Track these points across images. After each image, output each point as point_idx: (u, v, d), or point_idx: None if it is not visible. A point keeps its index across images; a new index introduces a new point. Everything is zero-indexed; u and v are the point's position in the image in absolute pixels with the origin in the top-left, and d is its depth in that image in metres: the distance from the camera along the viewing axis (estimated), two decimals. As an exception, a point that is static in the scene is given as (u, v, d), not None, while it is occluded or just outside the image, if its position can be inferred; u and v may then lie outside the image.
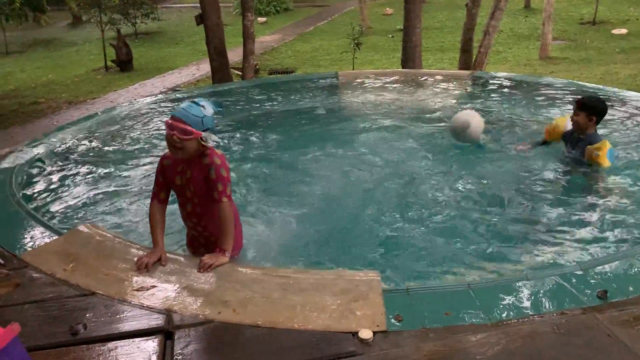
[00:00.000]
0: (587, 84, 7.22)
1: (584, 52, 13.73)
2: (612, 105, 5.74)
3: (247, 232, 3.41)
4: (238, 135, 5.84)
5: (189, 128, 2.63)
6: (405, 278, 3.00)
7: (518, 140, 5.11)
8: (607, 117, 4.42)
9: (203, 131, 2.67)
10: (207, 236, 2.94)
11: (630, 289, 2.45)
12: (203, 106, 2.72)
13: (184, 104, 2.73)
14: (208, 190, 2.75)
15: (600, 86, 6.86)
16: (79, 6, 16.56)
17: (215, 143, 2.75)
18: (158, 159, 3.00)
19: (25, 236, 3.21)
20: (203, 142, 2.69)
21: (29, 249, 3.05)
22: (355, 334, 2.21)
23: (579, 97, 4.28)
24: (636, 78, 10.49)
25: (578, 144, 4.36)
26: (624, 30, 15.55)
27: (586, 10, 18.23)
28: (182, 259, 2.85)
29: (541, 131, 5.02)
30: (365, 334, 2.19)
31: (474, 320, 2.28)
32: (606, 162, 4.13)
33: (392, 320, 2.29)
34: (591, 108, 4.18)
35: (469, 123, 4.83)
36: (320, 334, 2.23)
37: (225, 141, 5.59)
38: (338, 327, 2.26)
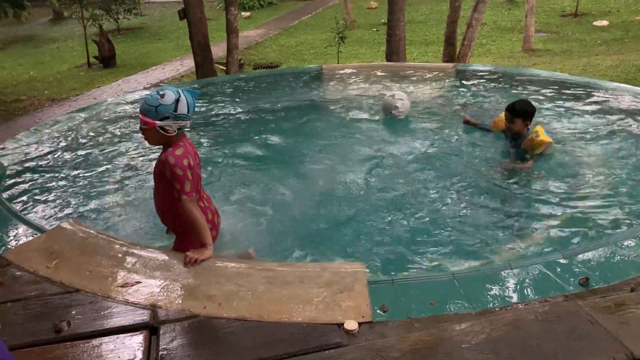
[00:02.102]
0: (569, 75, 7.28)
1: (566, 44, 13.85)
2: (593, 95, 5.82)
3: (232, 226, 3.41)
4: (222, 129, 5.81)
5: (145, 118, 2.68)
6: (391, 269, 3.01)
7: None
8: (591, 107, 4.51)
9: (160, 119, 2.67)
10: (174, 229, 3.01)
11: (612, 275, 2.49)
12: (162, 95, 2.69)
13: (148, 94, 2.74)
14: (163, 188, 2.79)
15: (586, 78, 6.93)
16: (60, 2, 16.33)
17: (182, 129, 2.74)
18: (142, 155, 3.01)
19: (8, 234, 3.18)
20: (163, 132, 2.69)
21: (11, 247, 3.02)
22: (341, 325, 2.22)
23: (509, 104, 4.49)
24: (617, 69, 10.61)
25: (517, 141, 4.51)
26: (605, 22, 15.71)
27: (568, 3, 18.38)
28: (166, 254, 2.83)
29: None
30: (351, 325, 2.20)
31: (458, 310, 2.30)
32: (547, 138, 4.35)
33: (378, 311, 2.31)
34: (524, 113, 4.38)
35: (396, 106, 5.71)
36: (306, 326, 2.24)
37: (209, 135, 5.56)
38: (324, 319, 2.27)
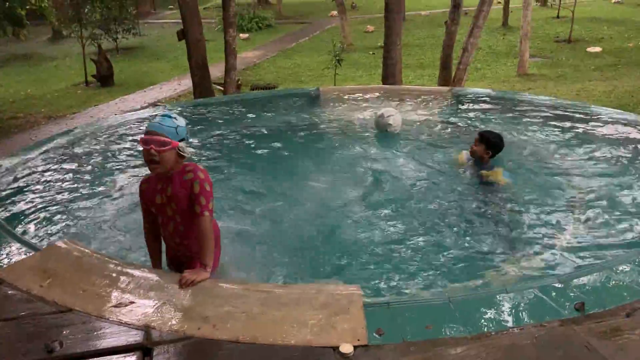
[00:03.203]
0: (563, 100, 7.36)
1: (560, 69, 14.03)
2: (588, 121, 5.88)
3: (227, 247, 3.39)
4: (217, 149, 5.82)
5: (165, 139, 2.64)
6: (386, 292, 3.00)
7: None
8: (584, 132, 4.56)
9: (179, 141, 2.68)
10: (189, 256, 2.89)
11: (607, 300, 2.49)
12: (175, 118, 2.73)
13: (156, 118, 2.74)
14: (190, 206, 2.73)
15: (581, 103, 7.00)
16: (60, 21, 16.45)
17: (191, 153, 2.76)
18: (136, 174, 3.00)
19: (1, 252, 3.16)
20: (180, 152, 2.70)
21: (4, 265, 2.99)
22: (336, 348, 2.20)
23: (483, 129, 4.82)
24: (610, 95, 10.74)
25: (478, 166, 4.73)
26: (598, 49, 15.95)
27: (562, 29, 18.66)
28: (160, 274, 2.82)
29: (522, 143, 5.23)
30: (346, 348, 2.18)
31: (454, 334, 2.29)
32: (502, 179, 4.54)
33: (373, 334, 2.29)
34: (488, 142, 4.62)
35: (389, 124, 5.87)
36: (301, 349, 2.22)
37: (204, 155, 5.57)
38: (319, 342, 2.25)
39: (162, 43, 21.83)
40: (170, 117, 2.72)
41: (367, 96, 7.58)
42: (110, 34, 18.45)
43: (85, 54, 15.11)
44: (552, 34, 18.53)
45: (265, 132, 6.36)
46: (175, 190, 2.74)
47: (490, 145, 4.62)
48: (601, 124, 5.78)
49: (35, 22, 18.64)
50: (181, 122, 2.74)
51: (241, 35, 21.38)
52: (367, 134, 6.12)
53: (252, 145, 5.92)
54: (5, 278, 2.83)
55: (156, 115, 2.81)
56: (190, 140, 2.83)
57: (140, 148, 2.74)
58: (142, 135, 2.71)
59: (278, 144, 5.89)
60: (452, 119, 6.53)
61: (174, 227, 2.84)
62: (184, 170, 2.74)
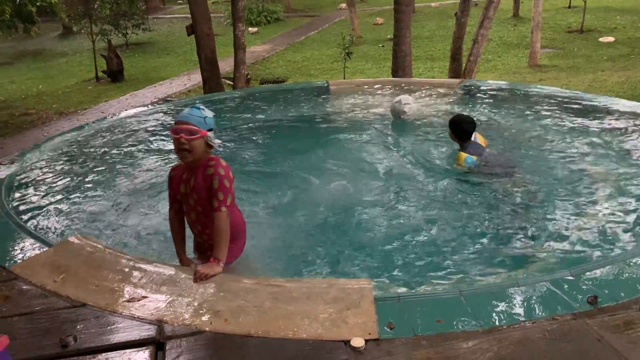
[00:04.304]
0: (573, 91, 7.28)
1: (572, 60, 13.88)
2: (599, 113, 5.81)
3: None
4: (228, 144, 5.84)
5: (194, 127, 2.76)
6: (397, 286, 3.00)
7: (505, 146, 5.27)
8: (596, 124, 4.51)
9: (207, 131, 2.80)
10: (212, 244, 2.94)
11: (621, 294, 2.47)
12: (203, 109, 2.87)
13: (185, 110, 2.88)
14: (209, 199, 2.82)
15: (591, 95, 6.92)
16: (70, 17, 16.56)
17: (219, 144, 2.88)
18: (147, 169, 3.04)
19: (15, 248, 3.19)
20: (209, 142, 2.81)
21: (18, 261, 3.03)
22: (347, 342, 2.21)
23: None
24: (624, 85, 10.61)
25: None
26: (611, 39, 15.75)
27: (574, 19, 18.45)
28: (172, 269, 2.84)
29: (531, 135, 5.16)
30: (357, 342, 2.19)
31: (465, 328, 2.29)
32: (461, 164, 4.61)
33: (384, 328, 2.29)
34: (451, 126, 4.72)
35: (404, 111, 6.01)
36: (313, 343, 2.22)
37: (219, 150, 5.58)
38: (330, 336, 2.26)
39: (172, 38, 21.90)
40: (198, 108, 2.86)
41: (377, 89, 7.55)
42: (119, 30, 18.54)
43: (95, 50, 15.19)
44: (563, 24, 18.32)
45: (274, 126, 6.36)
46: (197, 183, 2.84)
47: (451, 128, 4.70)
48: (616, 115, 5.71)
49: (46, 19, 18.82)
50: (209, 113, 2.88)
51: (250, 29, 21.39)
52: (377, 127, 6.10)
53: (261, 139, 5.93)
54: (20, 274, 2.87)
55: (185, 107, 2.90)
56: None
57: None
58: (172, 126, 2.83)
59: (286, 138, 5.89)
60: (463, 111, 6.48)
61: (196, 217, 2.96)
62: (207, 163, 2.83)
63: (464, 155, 4.58)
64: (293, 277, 3.10)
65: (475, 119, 4.75)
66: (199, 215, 2.94)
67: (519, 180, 4.47)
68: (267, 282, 2.70)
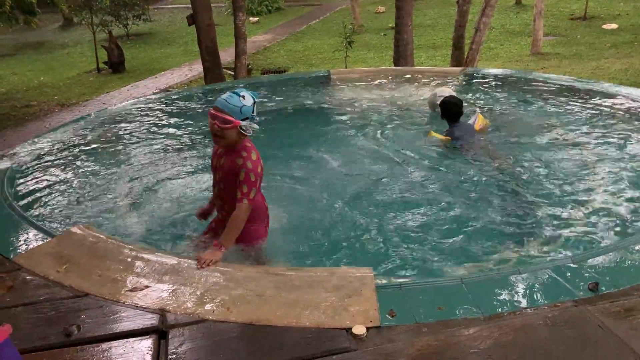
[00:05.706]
0: (578, 79, 7.25)
1: (575, 48, 13.79)
2: (602, 98, 5.79)
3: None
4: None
5: (228, 117, 2.78)
6: (398, 274, 3.01)
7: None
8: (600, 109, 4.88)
9: (242, 120, 2.81)
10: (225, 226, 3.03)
11: (622, 280, 2.47)
12: (243, 96, 2.84)
13: (224, 95, 2.86)
14: (232, 183, 2.88)
15: (595, 82, 6.89)
16: (70, 8, 16.49)
17: (255, 130, 2.88)
18: (149, 159, 3.04)
19: (19, 238, 3.20)
20: (243, 131, 2.83)
21: (22, 251, 3.04)
22: (349, 330, 2.22)
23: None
24: (627, 72, 10.55)
25: None
26: (614, 25, 15.62)
27: (577, 6, 18.30)
28: (175, 258, 2.85)
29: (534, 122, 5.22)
30: (359, 329, 2.20)
31: (467, 315, 2.30)
32: (429, 138, 5.06)
33: (386, 315, 2.30)
34: (440, 106, 5.09)
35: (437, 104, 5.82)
36: (314, 331, 2.24)
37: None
38: (332, 324, 2.27)
39: (172, 28, 21.83)
40: (238, 95, 2.84)
41: (379, 78, 7.52)
42: (120, 21, 18.47)
43: (96, 41, 15.15)
44: (566, 11, 18.17)
45: (276, 116, 6.35)
46: (226, 164, 2.92)
47: (441, 109, 5.07)
48: (619, 102, 5.69)
49: (46, 10, 18.73)
50: (248, 101, 2.85)
51: (251, 18, 21.31)
52: (379, 116, 6.09)
53: (263, 129, 5.90)
54: (23, 264, 2.88)
55: (226, 91, 2.90)
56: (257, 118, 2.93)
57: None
58: (211, 109, 2.86)
59: (288, 128, 5.88)
60: (465, 99, 6.45)
61: (219, 191, 3.08)
62: (239, 152, 2.88)
63: (433, 134, 5.02)
64: (294, 266, 3.11)
65: (478, 106, 4.79)
66: (220, 190, 3.04)
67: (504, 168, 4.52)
68: (268, 270, 2.71)
